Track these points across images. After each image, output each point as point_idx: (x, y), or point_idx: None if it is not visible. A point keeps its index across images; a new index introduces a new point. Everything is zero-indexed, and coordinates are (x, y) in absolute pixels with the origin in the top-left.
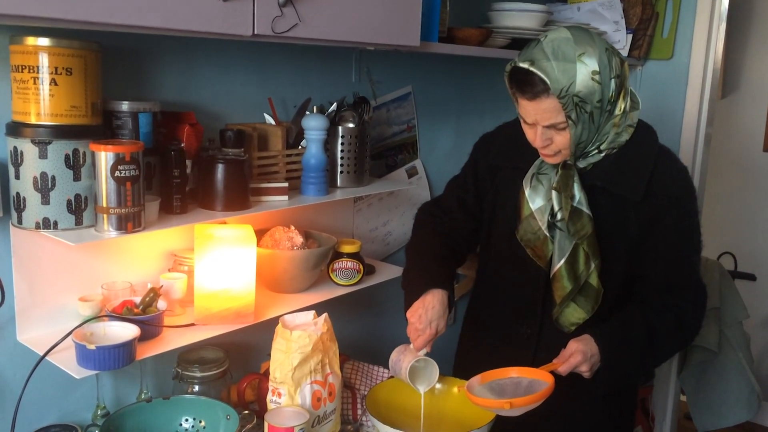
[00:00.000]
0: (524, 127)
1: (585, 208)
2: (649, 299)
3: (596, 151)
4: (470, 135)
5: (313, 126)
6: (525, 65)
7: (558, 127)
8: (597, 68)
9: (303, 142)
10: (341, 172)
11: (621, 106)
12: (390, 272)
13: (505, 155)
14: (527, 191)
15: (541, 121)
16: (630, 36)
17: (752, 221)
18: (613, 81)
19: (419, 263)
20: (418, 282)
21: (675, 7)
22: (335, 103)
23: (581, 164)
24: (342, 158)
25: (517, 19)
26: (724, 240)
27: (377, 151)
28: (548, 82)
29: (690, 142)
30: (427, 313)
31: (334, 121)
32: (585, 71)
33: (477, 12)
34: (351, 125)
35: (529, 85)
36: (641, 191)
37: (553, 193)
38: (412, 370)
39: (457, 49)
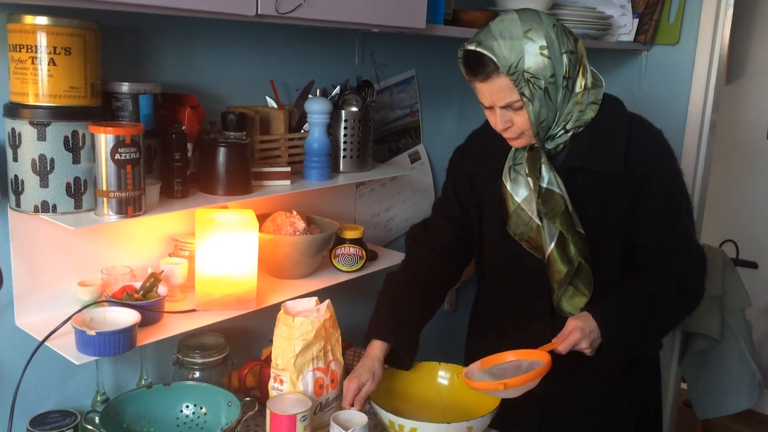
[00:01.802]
0: (486, 113)
1: (556, 188)
2: (648, 268)
3: (562, 131)
4: (474, 120)
5: (316, 109)
6: (472, 47)
7: (514, 106)
8: (545, 43)
9: (305, 126)
10: (344, 156)
11: (581, 83)
12: (392, 258)
13: (481, 160)
14: (508, 185)
15: (497, 102)
16: (636, 20)
17: (755, 209)
18: (565, 56)
19: (378, 308)
20: (368, 329)
21: None
22: (338, 87)
23: (549, 145)
24: (345, 142)
25: (523, 2)
26: (726, 227)
27: (380, 136)
28: (496, 60)
29: (695, 128)
30: (357, 368)
31: (337, 105)
32: (533, 47)
33: None
34: (354, 109)
35: (480, 66)
36: (621, 162)
37: (529, 180)
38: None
39: (462, 32)
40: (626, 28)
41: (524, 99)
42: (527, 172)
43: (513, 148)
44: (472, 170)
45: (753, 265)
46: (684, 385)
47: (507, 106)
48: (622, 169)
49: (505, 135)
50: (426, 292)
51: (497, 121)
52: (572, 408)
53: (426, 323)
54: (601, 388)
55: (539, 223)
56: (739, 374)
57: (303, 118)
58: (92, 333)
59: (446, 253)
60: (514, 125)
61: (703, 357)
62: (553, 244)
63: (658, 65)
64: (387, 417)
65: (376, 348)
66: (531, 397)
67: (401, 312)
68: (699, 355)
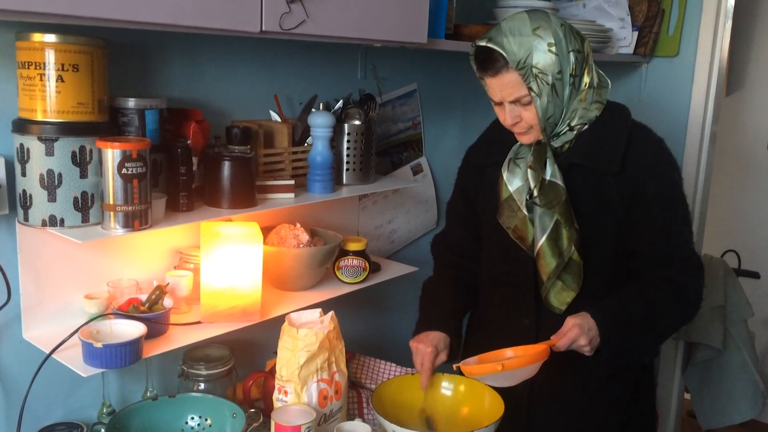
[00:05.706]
0: (495, 110)
1: (559, 181)
2: (645, 275)
3: (567, 128)
4: (476, 132)
5: (319, 123)
6: (483, 43)
7: (523, 101)
8: (552, 41)
9: (309, 140)
10: (347, 169)
11: (586, 80)
12: (395, 270)
13: (487, 153)
14: (505, 175)
15: (506, 97)
16: (635, 33)
17: (757, 219)
18: (571, 54)
19: (424, 315)
20: (416, 328)
21: (681, 4)
22: (341, 101)
23: (555, 144)
24: (348, 155)
25: None
26: (728, 238)
27: (382, 149)
28: (506, 55)
29: (695, 139)
30: (427, 337)
31: (340, 119)
32: (541, 44)
33: (483, 9)
34: (357, 122)
35: (490, 61)
36: (618, 163)
37: (529, 172)
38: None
39: (463, 46)
40: (626, 40)
41: (532, 94)
42: (531, 164)
43: (517, 143)
44: (479, 161)
45: (755, 275)
46: (687, 395)
47: (516, 101)
48: (618, 169)
49: (514, 130)
50: (458, 287)
51: (506, 116)
52: (556, 409)
53: (465, 313)
54: (584, 393)
55: (526, 213)
56: (742, 384)
57: (306, 131)
58: (99, 345)
59: (463, 253)
60: (523, 120)
61: (705, 367)
62: (544, 238)
63: (658, 77)
64: (391, 428)
65: (437, 333)
66: (516, 399)
67: (441, 307)
68: (702, 365)
